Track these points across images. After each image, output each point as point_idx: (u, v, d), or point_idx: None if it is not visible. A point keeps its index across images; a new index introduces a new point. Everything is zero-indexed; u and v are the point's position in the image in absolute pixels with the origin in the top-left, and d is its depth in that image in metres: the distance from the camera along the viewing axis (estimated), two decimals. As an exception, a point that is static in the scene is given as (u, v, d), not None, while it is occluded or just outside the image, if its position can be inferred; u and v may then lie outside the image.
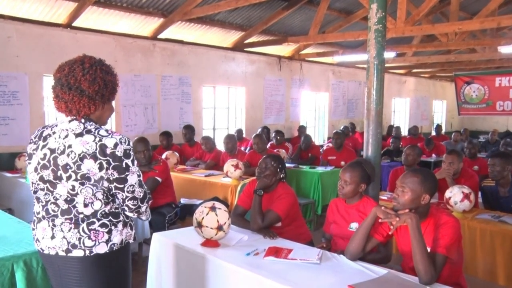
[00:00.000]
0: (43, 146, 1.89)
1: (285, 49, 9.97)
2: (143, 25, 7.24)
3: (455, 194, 3.56)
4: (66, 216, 1.85)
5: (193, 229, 2.72)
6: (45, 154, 1.87)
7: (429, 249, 2.23)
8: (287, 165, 4.09)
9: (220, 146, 6.93)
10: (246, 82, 9.38)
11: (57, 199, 1.86)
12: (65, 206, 1.85)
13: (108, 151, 1.81)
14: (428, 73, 14.89)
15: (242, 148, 7.21)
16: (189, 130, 6.89)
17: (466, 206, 3.53)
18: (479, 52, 9.92)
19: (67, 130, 1.86)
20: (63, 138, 1.85)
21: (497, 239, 3.34)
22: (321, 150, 7.35)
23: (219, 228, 2.59)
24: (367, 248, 2.50)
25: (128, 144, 1.87)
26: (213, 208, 2.64)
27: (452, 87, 13.27)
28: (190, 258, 2.65)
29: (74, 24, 6.46)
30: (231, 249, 2.65)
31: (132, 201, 1.91)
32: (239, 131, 8.49)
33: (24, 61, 6.01)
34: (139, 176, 1.92)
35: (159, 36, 7.55)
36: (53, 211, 1.87)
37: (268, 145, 6.95)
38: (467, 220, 3.51)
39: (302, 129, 9.62)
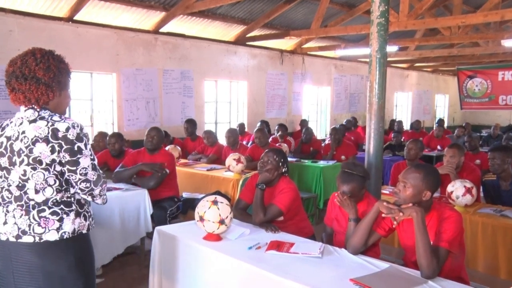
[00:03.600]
0: (1, 135, 1.97)
1: (287, 43, 9.93)
2: (144, 18, 7.22)
3: (457, 188, 3.55)
4: (18, 203, 1.90)
5: (195, 223, 2.72)
6: (1, 142, 1.95)
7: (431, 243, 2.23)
8: (289, 159, 4.10)
9: (222, 140, 6.93)
10: (248, 76, 9.36)
11: (10, 185, 1.92)
12: (17, 193, 1.90)
13: (60, 134, 1.87)
14: (430, 67, 14.84)
15: (244, 142, 7.21)
16: (191, 124, 6.88)
17: (468, 200, 3.53)
18: (482, 46, 9.88)
19: (22, 118, 1.94)
20: (18, 126, 1.93)
21: (499, 233, 3.33)
22: (322, 144, 7.35)
23: (221, 222, 2.60)
24: (369, 242, 2.50)
25: (81, 129, 1.93)
26: (215, 202, 2.65)
27: (455, 81, 13.22)
28: (192, 252, 2.66)
29: (76, 17, 6.45)
30: (233, 243, 2.66)
31: (84, 183, 1.95)
32: (241, 125, 8.48)
33: (26, 55, 6.00)
34: (92, 159, 1.96)
35: (161, 30, 7.53)
36: (7, 197, 1.93)
37: (270, 139, 6.95)
38: (469, 214, 3.50)
39: (304, 123, 9.61)
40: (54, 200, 1.91)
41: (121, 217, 3.85)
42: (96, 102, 7.17)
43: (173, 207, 4.41)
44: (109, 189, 3.73)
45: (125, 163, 4.48)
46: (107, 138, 4.97)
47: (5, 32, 5.85)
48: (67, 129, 1.88)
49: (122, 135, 5.01)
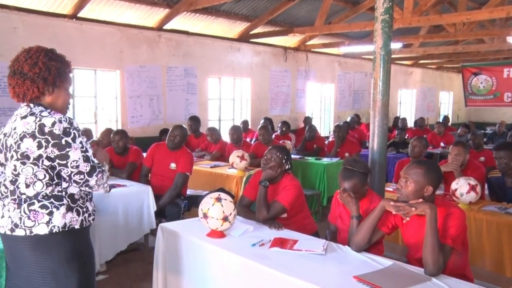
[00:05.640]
0: (1, 133, 2.03)
1: (291, 40, 9.91)
2: (148, 15, 7.22)
3: (461, 186, 3.54)
4: (12, 197, 1.94)
5: (199, 220, 2.73)
6: (0, 139, 2.00)
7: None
8: (292, 156, 4.09)
9: (226, 137, 6.93)
10: (251, 73, 9.35)
11: (5, 180, 1.97)
12: (11, 187, 1.95)
13: (46, 129, 1.88)
14: (435, 64, 14.77)
15: (248, 139, 7.21)
16: (194, 121, 6.88)
17: (472, 197, 3.52)
18: (488, 42, 9.81)
19: (17, 115, 1.98)
20: (13, 122, 1.97)
21: (504, 231, 3.32)
22: (326, 141, 7.34)
23: (225, 219, 2.60)
24: (373, 240, 2.49)
25: (70, 123, 1.92)
26: (218, 199, 2.64)
27: (459, 78, 13.15)
28: (195, 249, 2.66)
29: (80, 15, 6.46)
30: (237, 240, 2.66)
31: (78, 175, 1.95)
32: (245, 123, 8.48)
33: (30, 52, 6.02)
34: (84, 151, 1.94)
35: (165, 27, 7.53)
36: (4, 192, 1.97)
37: (273, 136, 6.95)
38: (473, 212, 3.49)
39: (307, 120, 9.59)
40: (44, 194, 1.93)
41: (124, 214, 3.86)
42: (100, 99, 7.19)
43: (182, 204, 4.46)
44: (112, 186, 3.75)
45: (145, 162, 4.67)
46: (111, 135, 4.98)
47: (9, 29, 5.86)
48: (53, 124, 1.88)
49: (126, 132, 5.01)
